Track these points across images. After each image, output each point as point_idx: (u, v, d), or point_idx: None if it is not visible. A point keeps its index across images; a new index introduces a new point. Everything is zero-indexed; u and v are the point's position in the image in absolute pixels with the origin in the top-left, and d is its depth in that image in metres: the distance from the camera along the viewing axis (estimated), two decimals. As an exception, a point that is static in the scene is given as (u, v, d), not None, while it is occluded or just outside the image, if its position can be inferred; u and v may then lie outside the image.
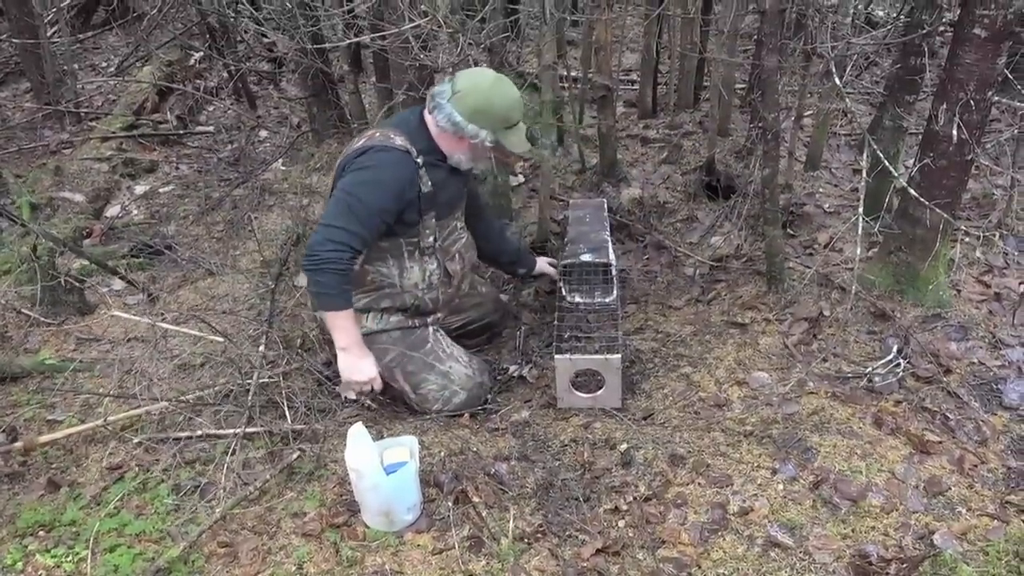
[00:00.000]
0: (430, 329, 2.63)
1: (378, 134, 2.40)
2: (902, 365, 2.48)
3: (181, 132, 5.00)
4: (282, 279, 3.20)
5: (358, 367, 2.42)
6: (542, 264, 3.04)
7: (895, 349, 2.55)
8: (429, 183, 2.40)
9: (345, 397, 2.57)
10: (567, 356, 2.48)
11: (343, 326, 2.37)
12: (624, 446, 2.31)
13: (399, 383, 2.58)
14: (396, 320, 2.58)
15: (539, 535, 2.04)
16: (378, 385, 2.49)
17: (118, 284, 3.39)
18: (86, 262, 3.41)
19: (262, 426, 2.37)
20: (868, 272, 2.83)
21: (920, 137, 2.67)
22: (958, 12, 2.40)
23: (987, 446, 2.23)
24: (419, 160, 2.37)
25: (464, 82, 2.34)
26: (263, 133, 5.04)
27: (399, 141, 2.36)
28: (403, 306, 2.57)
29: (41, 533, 2.11)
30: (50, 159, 4.56)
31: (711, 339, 2.76)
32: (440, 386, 2.57)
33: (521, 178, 3.96)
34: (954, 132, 2.42)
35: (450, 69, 2.95)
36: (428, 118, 2.41)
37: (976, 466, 2.15)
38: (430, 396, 2.57)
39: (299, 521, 2.10)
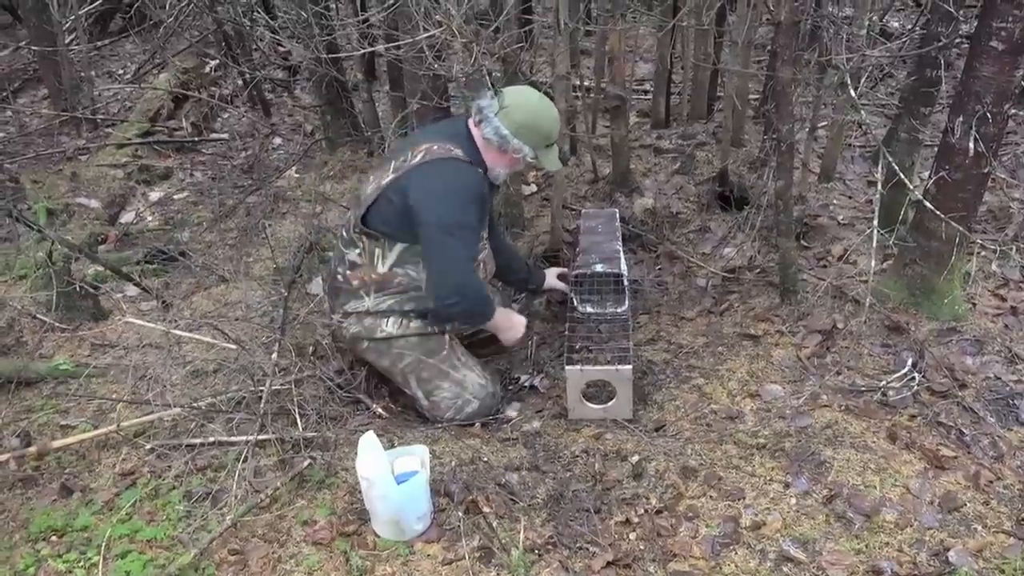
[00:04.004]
0: (446, 336, 2.63)
1: (436, 147, 2.40)
2: (917, 379, 2.46)
3: (196, 139, 5.03)
4: (295, 287, 3.21)
5: (510, 326, 2.64)
6: (551, 279, 3.04)
7: (910, 363, 2.53)
8: None
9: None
10: (578, 367, 2.47)
11: (495, 320, 2.59)
12: (635, 458, 2.30)
13: (411, 389, 2.58)
14: (415, 326, 2.58)
15: (549, 547, 2.03)
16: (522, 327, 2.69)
17: (132, 290, 3.41)
18: (101, 268, 3.43)
19: (274, 433, 2.38)
20: (883, 285, 2.81)
21: (936, 149, 2.66)
22: (975, 24, 2.39)
23: (1003, 462, 2.21)
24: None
25: (512, 98, 2.38)
26: (277, 140, 5.07)
27: (463, 154, 2.40)
28: (425, 310, 2.58)
29: (53, 538, 2.11)
30: (66, 165, 4.60)
31: (723, 351, 2.75)
32: (454, 394, 2.57)
33: (534, 187, 3.96)
34: (970, 145, 2.41)
35: (463, 79, 2.96)
36: (474, 130, 2.45)
37: (992, 482, 2.13)
38: (443, 404, 2.57)
39: (309, 529, 2.10)
